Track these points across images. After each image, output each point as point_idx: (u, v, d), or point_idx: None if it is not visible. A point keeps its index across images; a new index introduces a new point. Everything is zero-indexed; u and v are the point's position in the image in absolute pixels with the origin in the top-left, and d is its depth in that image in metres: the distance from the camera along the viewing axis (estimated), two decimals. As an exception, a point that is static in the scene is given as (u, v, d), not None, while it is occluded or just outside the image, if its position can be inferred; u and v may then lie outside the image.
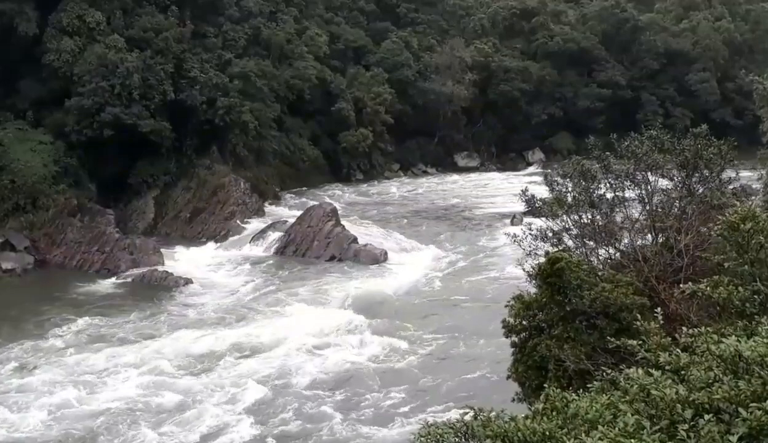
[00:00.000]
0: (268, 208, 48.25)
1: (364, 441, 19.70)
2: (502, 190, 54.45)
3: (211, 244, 41.56)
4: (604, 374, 6.68)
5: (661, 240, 15.32)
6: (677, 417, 4.89)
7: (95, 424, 20.50)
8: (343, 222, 40.92)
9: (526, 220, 22.69)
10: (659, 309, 7.65)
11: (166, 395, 22.19)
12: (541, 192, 17.30)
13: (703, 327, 6.32)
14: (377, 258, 37.19)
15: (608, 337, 9.43)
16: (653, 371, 5.47)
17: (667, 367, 5.64)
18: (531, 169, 66.30)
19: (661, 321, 7.04)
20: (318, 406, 21.46)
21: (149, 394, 22.22)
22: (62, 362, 24.89)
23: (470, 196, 55.59)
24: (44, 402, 21.68)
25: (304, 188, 56.45)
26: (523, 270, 15.39)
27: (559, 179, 16.71)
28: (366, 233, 41.02)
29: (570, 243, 16.07)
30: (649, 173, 15.81)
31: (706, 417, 4.77)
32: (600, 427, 5.02)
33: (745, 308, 7.47)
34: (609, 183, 16.23)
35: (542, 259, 14.03)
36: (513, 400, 13.32)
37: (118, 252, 37.46)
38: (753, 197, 17.26)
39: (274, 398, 21.99)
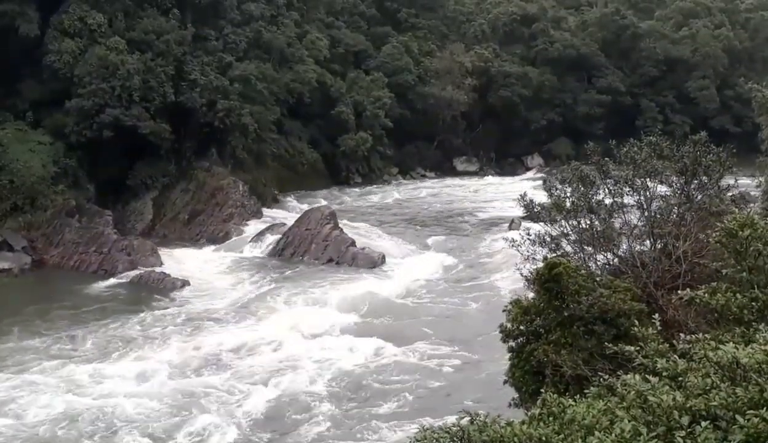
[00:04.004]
0: (267, 211, 48.22)
1: (361, 445, 19.67)
2: (501, 194, 54.48)
3: (209, 246, 41.54)
4: (602, 380, 6.67)
5: (659, 247, 15.31)
6: (674, 424, 4.88)
7: (88, 427, 20.35)
8: (342, 225, 40.92)
9: (525, 224, 22.74)
10: (657, 315, 7.64)
11: (161, 397, 22.11)
12: (540, 197, 17.29)
13: (700, 334, 6.32)
14: (375, 261, 37.16)
15: (606, 343, 9.43)
16: (650, 377, 5.46)
17: (664, 373, 5.63)
18: (530, 174, 66.43)
19: (659, 328, 7.03)
20: (313, 409, 21.39)
21: (145, 396, 22.13)
22: (57, 363, 24.80)
23: (469, 201, 55.65)
24: (37, 404, 21.54)
25: (303, 191, 56.45)
26: (521, 274, 15.40)
27: (557, 184, 16.70)
28: (364, 236, 41.02)
29: (568, 248, 16.06)
30: (647, 179, 15.80)
31: (703, 423, 4.76)
32: (597, 433, 5.01)
33: (743, 315, 7.47)
34: (608, 188, 16.22)
35: (540, 264, 14.03)
36: (510, 405, 13.29)
37: (116, 253, 37.40)
38: (751, 204, 17.27)
39: (270, 400, 21.92)
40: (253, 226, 43.53)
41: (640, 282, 14.05)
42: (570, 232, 16.10)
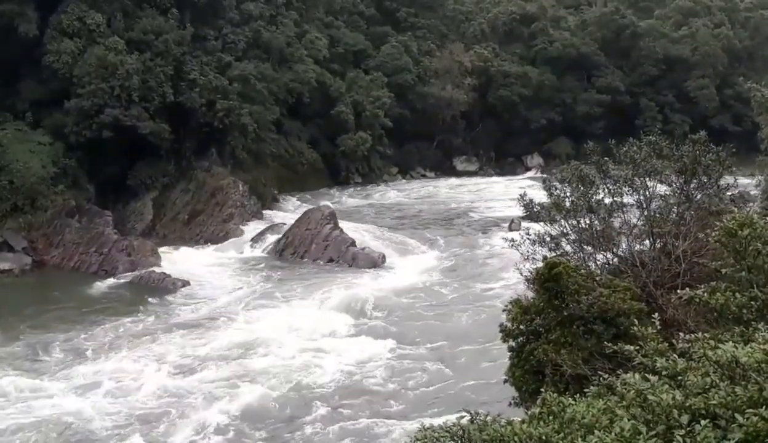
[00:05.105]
0: (267, 211, 48.23)
1: (361, 444, 19.67)
2: (501, 194, 54.46)
3: (209, 246, 41.54)
4: (601, 379, 6.68)
5: (659, 246, 15.33)
6: (674, 423, 4.90)
7: (87, 428, 20.28)
8: (342, 225, 40.92)
9: (525, 224, 22.75)
10: (656, 314, 7.65)
11: (159, 397, 22.09)
12: (540, 196, 17.30)
13: (700, 333, 6.33)
14: (375, 261, 37.17)
15: (605, 342, 9.44)
16: (650, 376, 5.47)
17: (663, 373, 5.64)
18: (529, 174, 66.44)
19: (659, 327, 7.04)
20: (312, 409, 21.40)
21: (143, 397, 22.11)
22: (57, 364, 24.77)
23: (468, 200, 55.62)
24: (34, 405, 21.43)
25: (303, 191, 56.44)
26: (521, 274, 15.40)
27: (557, 184, 16.71)
28: (364, 236, 41.02)
29: (568, 248, 16.08)
30: (647, 179, 15.82)
31: (703, 422, 4.77)
32: (596, 432, 5.02)
33: (742, 314, 7.49)
34: (607, 188, 16.24)
35: (540, 264, 14.04)
36: (510, 404, 13.31)
37: (116, 253, 37.41)
38: (751, 203, 17.28)
39: (269, 401, 21.92)
40: (253, 226, 43.54)
41: (639, 282, 14.06)
42: (570, 232, 16.12)
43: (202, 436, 19.90)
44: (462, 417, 5.90)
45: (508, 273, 29.64)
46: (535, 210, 16.91)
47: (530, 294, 14.04)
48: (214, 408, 21.40)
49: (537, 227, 16.90)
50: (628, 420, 5.00)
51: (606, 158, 16.64)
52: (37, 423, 20.42)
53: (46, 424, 20.37)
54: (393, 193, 58.71)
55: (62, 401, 21.73)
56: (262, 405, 21.69)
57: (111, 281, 35.32)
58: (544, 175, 18.88)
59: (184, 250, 40.34)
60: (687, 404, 5.00)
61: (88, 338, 27.15)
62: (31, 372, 24.12)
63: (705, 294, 7.83)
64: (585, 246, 15.96)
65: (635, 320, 8.82)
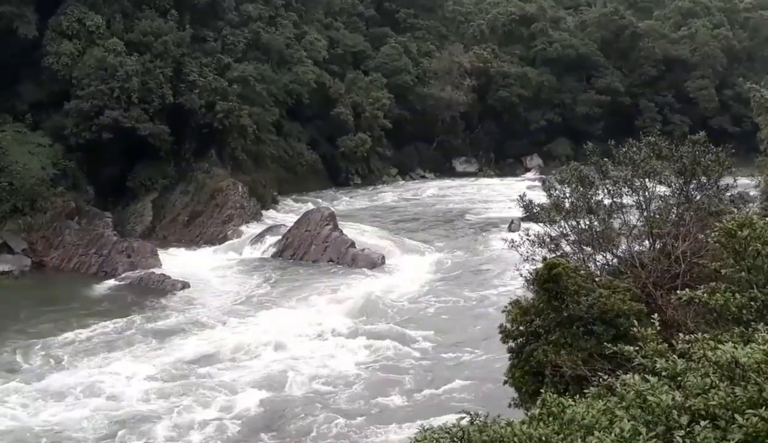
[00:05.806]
0: (266, 212, 48.22)
1: (361, 446, 19.65)
2: (500, 195, 54.46)
3: (208, 248, 41.51)
4: (601, 380, 6.69)
5: (658, 247, 15.33)
6: (673, 423, 4.90)
7: (62, 436, 19.99)
8: (341, 226, 40.92)
9: (524, 225, 22.76)
10: (656, 315, 7.65)
11: (158, 399, 22.02)
12: (539, 197, 17.31)
13: (699, 334, 6.33)
14: (375, 262, 37.18)
15: (605, 343, 9.45)
16: (650, 377, 5.47)
17: (663, 373, 5.64)
18: (529, 175, 66.46)
19: (658, 328, 7.04)
20: (311, 411, 21.36)
21: (142, 399, 22.03)
22: (36, 370, 24.41)
23: (468, 201, 55.62)
24: (9, 413, 21.17)
25: (303, 192, 56.44)
26: (521, 275, 15.41)
27: (557, 185, 16.73)
28: (364, 237, 41.02)
29: (567, 249, 16.08)
30: (646, 179, 15.83)
31: (702, 423, 4.77)
32: (596, 433, 5.02)
33: (742, 315, 7.49)
34: (607, 189, 16.25)
35: (540, 265, 14.04)
36: (509, 406, 13.30)
37: (116, 255, 37.38)
38: (750, 204, 17.29)
39: (268, 402, 21.88)
40: (252, 228, 43.53)
41: (639, 283, 14.07)
42: (569, 233, 16.12)
43: (198, 438, 19.79)
44: (461, 418, 5.90)
45: (507, 274, 29.65)
46: (534, 211, 16.92)
47: (530, 295, 14.05)
48: (212, 410, 21.32)
49: (536, 228, 16.90)
50: (628, 421, 5.00)
51: (605, 159, 16.65)
52: (13, 430, 20.16)
53: (24, 431, 20.12)
54: (392, 194, 58.70)
55: (38, 409, 21.33)
56: (261, 406, 21.64)
57: (110, 283, 35.27)
58: (544, 176, 18.89)
59: (184, 252, 40.31)
60: (687, 405, 5.00)
61: (76, 342, 26.65)
62: (9, 378, 23.58)
63: (705, 294, 7.83)
64: (585, 247, 15.97)
65: (635, 321, 8.82)
